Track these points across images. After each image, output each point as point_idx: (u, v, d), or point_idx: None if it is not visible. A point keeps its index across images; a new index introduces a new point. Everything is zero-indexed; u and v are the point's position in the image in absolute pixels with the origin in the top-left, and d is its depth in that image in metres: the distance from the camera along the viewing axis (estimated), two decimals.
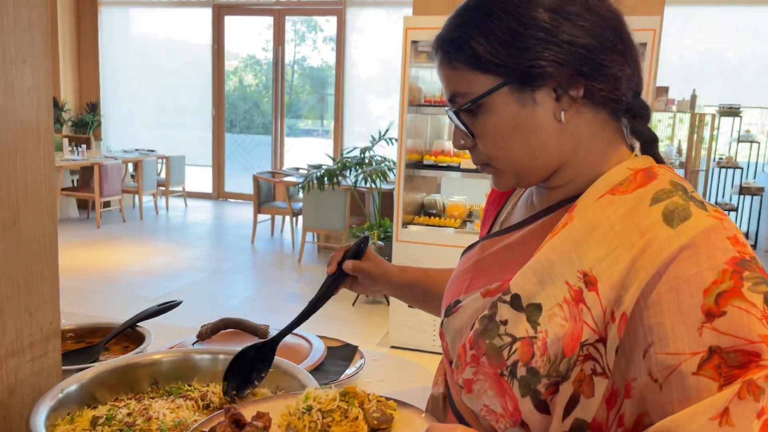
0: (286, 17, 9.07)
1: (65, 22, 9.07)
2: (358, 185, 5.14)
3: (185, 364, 1.03)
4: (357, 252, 1.07)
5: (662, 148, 5.21)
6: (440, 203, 4.26)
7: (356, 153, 5.26)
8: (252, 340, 1.37)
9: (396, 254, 3.92)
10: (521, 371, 0.71)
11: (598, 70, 0.72)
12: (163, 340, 1.40)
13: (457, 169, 3.93)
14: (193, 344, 1.36)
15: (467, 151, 0.82)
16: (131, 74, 9.73)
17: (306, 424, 0.76)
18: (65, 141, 7.84)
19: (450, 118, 0.80)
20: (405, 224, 3.92)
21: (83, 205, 7.88)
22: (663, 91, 5.57)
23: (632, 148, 0.80)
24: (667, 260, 0.65)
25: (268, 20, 9.17)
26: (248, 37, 9.64)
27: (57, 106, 8.98)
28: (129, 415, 0.90)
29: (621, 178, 0.74)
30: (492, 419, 0.75)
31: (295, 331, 1.38)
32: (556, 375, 0.69)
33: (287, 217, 7.09)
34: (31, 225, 0.95)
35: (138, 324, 1.28)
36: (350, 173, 5.18)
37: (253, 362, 0.99)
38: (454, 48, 0.75)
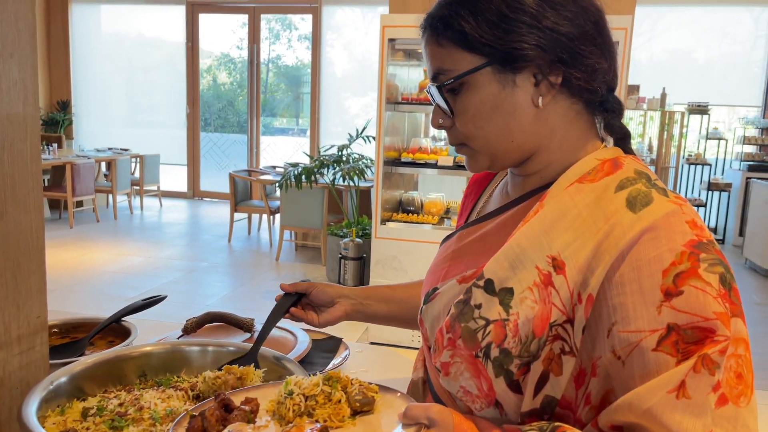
0: (261, 15, 9.02)
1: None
2: (335, 183, 5.15)
3: (174, 356, 1.04)
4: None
5: (634, 145, 5.31)
6: (418, 200, 4.30)
7: (334, 151, 5.27)
8: (237, 334, 1.38)
9: (375, 251, 3.94)
10: (494, 352, 0.74)
11: (576, 59, 0.76)
12: (147, 335, 1.40)
13: (434, 166, 3.97)
14: (178, 338, 1.37)
15: (444, 130, 0.84)
16: (103, 72, 9.58)
17: (290, 408, 0.78)
18: None
19: (431, 96, 0.82)
20: (383, 221, 3.95)
21: (55, 205, 7.75)
22: (634, 89, 5.68)
23: (603, 141, 0.84)
24: (629, 243, 0.69)
25: (243, 18, 9.11)
26: (222, 35, 9.57)
27: None
28: (120, 405, 0.90)
29: (589, 167, 0.78)
30: (468, 400, 0.78)
31: (280, 325, 1.41)
32: (527, 355, 0.73)
33: (264, 216, 7.06)
34: (18, 218, 0.95)
35: (123, 319, 1.29)
36: (328, 171, 5.19)
37: None
38: (443, 25, 0.78)
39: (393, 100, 3.94)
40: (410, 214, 4.15)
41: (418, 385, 0.94)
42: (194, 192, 9.57)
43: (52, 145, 7.85)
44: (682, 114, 6.70)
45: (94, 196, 7.44)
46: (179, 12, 9.13)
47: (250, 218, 7.26)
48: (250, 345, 1.07)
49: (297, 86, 9.81)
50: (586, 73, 0.77)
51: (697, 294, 0.65)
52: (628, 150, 0.82)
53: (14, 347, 0.97)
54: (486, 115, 0.78)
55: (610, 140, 0.85)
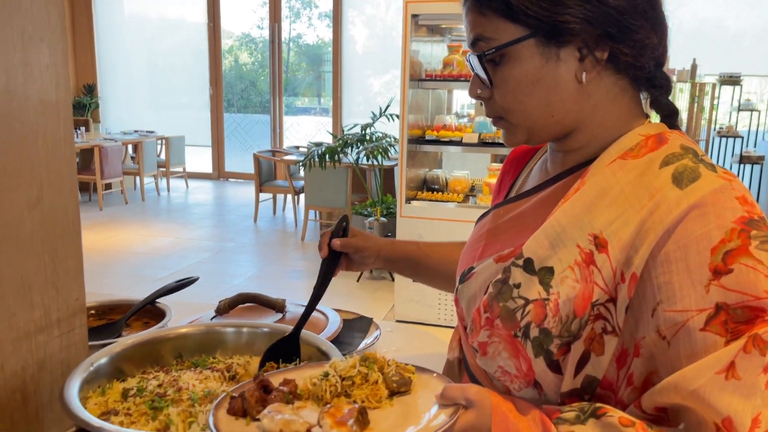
0: None
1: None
2: (359, 162, 5.14)
3: (210, 337, 1.05)
4: (340, 231, 1.10)
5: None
6: (442, 178, 4.27)
7: (357, 130, 5.25)
8: (269, 314, 1.39)
9: (400, 230, 3.94)
10: (534, 332, 0.73)
11: (625, 34, 0.73)
12: (180, 316, 1.42)
13: (459, 143, 3.93)
14: (211, 319, 1.38)
15: (481, 102, 0.82)
16: (127, 55, 9.65)
17: (326, 389, 0.78)
18: None
19: (469, 65, 0.80)
20: (408, 200, 3.94)
21: (85, 188, 7.88)
22: None
23: (647, 118, 0.81)
24: (675, 220, 0.67)
25: None
26: (243, 14, 9.55)
27: None
28: (159, 386, 0.92)
29: (633, 143, 0.76)
30: (506, 380, 0.78)
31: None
32: (568, 335, 0.72)
33: (289, 196, 7.10)
34: (54, 203, 0.96)
35: (157, 300, 1.30)
36: (351, 150, 5.18)
37: (284, 354, 0.99)
38: None
39: (416, 77, 3.90)
40: (435, 193, 4.13)
41: (453, 365, 0.94)
42: (219, 173, 9.64)
43: (79, 129, 7.96)
44: (713, 85, 6.52)
45: (122, 178, 7.55)
46: None
47: (275, 198, 7.30)
48: (283, 326, 1.08)
49: (318, 65, 9.77)
50: (635, 48, 0.74)
51: (747, 272, 0.63)
52: (674, 127, 0.80)
53: (54, 330, 0.98)
54: (526, 89, 0.76)
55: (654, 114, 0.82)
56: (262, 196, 6.88)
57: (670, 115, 0.80)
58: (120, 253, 5.61)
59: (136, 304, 1.30)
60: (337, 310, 1.47)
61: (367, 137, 5.09)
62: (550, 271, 0.74)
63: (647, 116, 0.81)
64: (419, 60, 4.00)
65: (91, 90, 9.35)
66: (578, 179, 0.77)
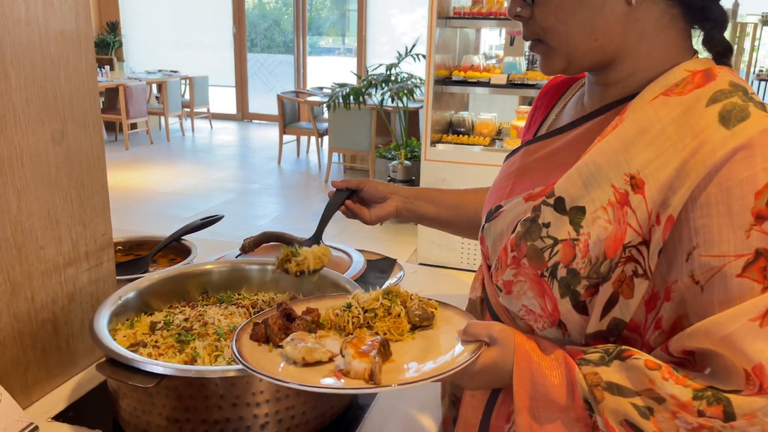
0: None
1: None
2: (384, 104, 5.06)
3: (235, 275, 1.06)
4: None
5: None
6: (469, 121, 4.19)
7: (382, 70, 5.15)
8: None
9: (424, 173, 3.91)
10: (561, 272, 0.71)
11: None
12: (206, 254, 1.43)
13: (486, 84, 3.83)
14: (236, 257, 1.40)
15: (520, 22, 0.77)
16: None
17: (348, 320, 0.79)
18: None
19: None
20: (433, 143, 3.88)
21: (111, 128, 7.94)
22: None
23: (696, 53, 0.77)
24: (720, 161, 0.64)
25: None
26: None
27: None
28: (186, 320, 0.93)
29: (678, 79, 0.71)
30: (530, 319, 0.77)
31: (335, 245, 1.42)
32: (597, 276, 0.70)
33: (313, 138, 7.07)
34: (78, 137, 0.96)
35: (183, 237, 1.31)
36: (376, 92, 5.09)
37: None
38: None
39: (444, 14, 3.78)
40: (460, 136, 4.06)
41: (476, 304, 0.93)
42: (243, 114, 9.61)
43: (104, 68, 7.95)
44: (755, 25, 6.22)
45: (147, 118, 7.57)
46: None
47: (298, 140, 7.28)
48: None
49: (343, 3, 9.53)
50: None
51: None
52: (725, 64, 0.74)
53: (83, 263, 1.00)
54: (571, 7, 0.71)
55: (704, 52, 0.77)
56: (286, 137, 6.86)
57: (723, 53, 0.75)
58: (146, 193, 5.68)
59: (162, 240, 1.31)
60: (361, 251, 1.47)
61: (392, 78, 4.99)
62: (581, 210, 0.71)
63: (696, 52, 0.76)
64: None
65: (114, 28, 9.28)
66: (617, 116, 0.73)
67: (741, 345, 0.61)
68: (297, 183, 6.36)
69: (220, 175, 6.45)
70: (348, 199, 1.11)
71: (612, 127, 0.72)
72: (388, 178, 4.78)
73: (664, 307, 0.68)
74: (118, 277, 1.09)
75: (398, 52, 5.13)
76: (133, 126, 7.66)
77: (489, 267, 0.85)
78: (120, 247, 1.30)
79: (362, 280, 1.34)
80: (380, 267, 1.44)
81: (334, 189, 1.11)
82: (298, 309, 0.83)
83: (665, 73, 0.73)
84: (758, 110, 0.66)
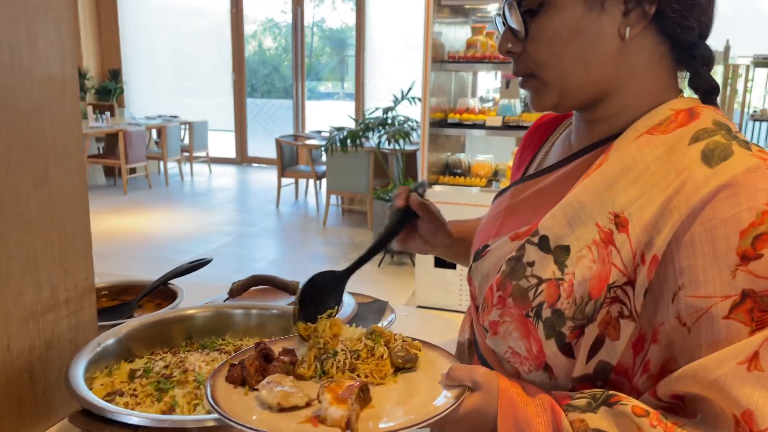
0: None
1: None
2: (381, 146, 5.10)
3: (219, 319, 1.04)
4: (419, 191, 0.95)
5: None
6: (465, 162, 4.21)
7: (379, 114, 5.20)
8: (282, 297, 1.37)
9: None
10: (546, 313, 0.70)
11: None
12: (195, 298, 1.41)
13: (482, 127, 3.86)
14: (224, 301, 1.37)
15: (511, 57, 0.76)
16: (151, 40, 9.70)
17: (333, 364, 0.76)
18: (89, 108, 7.89)
19: (504, 15, 0.75)
20: (430, 184, 3.89)
21: (110, 173, 7.98)
22: None
23: (681, 93, 0.76)
24: (703, 200, 0.62)
25: None
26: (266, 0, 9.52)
27: (80, 74, 9.02)
28: (166, 367, 0.90)
29: (662, 117, 0.71)
30: (516, 362, 0.75)
31: None
32: (582, 317, 0.68)
33: (311, 181, 7.10)
34: (61, 182, 0.95)
35: (170, 282, 1.29)
36: (373, 134, 5.13)
37: (323, 294, 0.89)
38: None
39: (439, 58, 3.84)
40: (457, 177, 4.07)
41: (464, 347, 0.91)
42: (242, 158, 9.68)
43: (105, 114, 8.04)
44: (747, 67, 6.32)
45: (146, 163, 7.61)
46: None
47: (297, 183, 7.31)
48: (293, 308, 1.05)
49: (342, 49, 9.72)
50: (683, 5, 0.69)
51: None
52: (711, 103, 0.74)
53: (63, 309, 0.97)
54: (564, 41, 0.71)
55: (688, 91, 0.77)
56: (284, 181, 6.88)
57: (710, 92, 0.74)
58: (143, 237, 5.67)
59: (148, 285, 1.29)
60: (352, 294, 1.44)
61: (389, 121, 5.04)
62: (566, 249, 0.70)
63: (681, 91, 0.76)
64: (442, 42, 3.93)
65: (116, 75, 9.42)
66: (602, 154, 0.72)
67: (729, 390, 0.58)
68: (295, 225, 6.36)
69: (218, 218, 6.45)
70: (408, 223, 0.94)
71: (596, 166, 0.71)
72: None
73: (651, 349, 0.66)
74: (100, 323, 1.06)
75: (394, 96, 5.19)
76: (132, 171, 7.70)
77: (477, 308, 0.83)
78: (105, 292, 1.28)
79: (352, 323, 1.31)
80: (372, 310, 1.41)
81: (401, 201, 0.92)
82: (277, 348, 0.80)
83: (650, 112, 0.72)
84: (742, 149, 0.65)
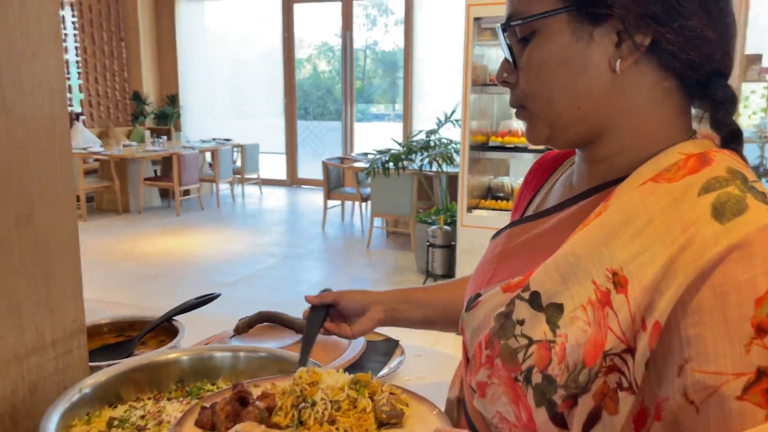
0: (354, 2, 9.02)
1: (144, 18, 9.43)
2: (423, 169, 5.05)
3: (204, 363, 1.00)
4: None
5: (756, 120, 4.80)
6: (508, 186, 4.11)
7: (422, 136, 5.17)
8: (289, 335, 1.33)
9: (460, 239, 3.81)
10: (536, 378, 0.63)
11: (672, 17, 0.61)
12: (201, 333, 1.38)
13: (524, 150, 3.77)
14: (230, 338, 1.34)
15: (509, 89, 0.73)
16: (208, 66, 10.03)
17: (311, 415, 0.71)
18: (147, 133, 8.19)
19: (501, 45, 0.72)
20: (470, 208, 3.81)
21: (165, 194, 8.22)
22: (755, 59, 5.12)
23: (695, 134, 0.68)
24: (712, 262, 0.54)
25: (338, 6, 9.17)
26: (321, 23, 9.71)
27: (140, 99, 9.40)
28: (143, 417, 0.87)
29: (670, 162, 0.63)
30: (504, 428, 0.68)
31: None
32: (575, 386, 0.60)
33: (356, 203, 7.10)
34: (47, 221, 0.94)
35: (174, 318, 1.27)
36: (416, 157, 5.10)
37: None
38: None
39: (480, 81, 3.78)
40: (499, 201, 3.97)
41: (453, 405, 0.83)
42: (292, 180, 9.82)
43: (162, 138, 8.33)
44: None
45: (199, 185, 7.81)
46: (276, 4, 9.34)
47: (343, 205, 7.33)
48: (283, 351, 1.01)
49: (393, 71, 9.77)
50: (681, 37, 0.61)
51: None
52: (739, 152, 0.65)
53: (49, 352, 0.96)
54: (551, 70, 0.66)
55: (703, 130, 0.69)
56: (331, 202, 6.92)
57: (731, 137, 0.66)
58: (192, 258, 5.78)
59: (153, 320, 1.27)
60: None
61: (432, 144, 4.99)
62: (559, 308, 0.63)
63: (695, 133, 0.68)
64: (483, 64, 3.87)
65: (173, 100, 9.77)
66: (602, 201, 0.65)
67: None
68: (340, 247, 6.36)
69: (265, 239, 6.52)
70: (326, 318, 1.01)
71: (595, 215, 0.64)
72: (428, 243, 4.69)
73: (655, 427, 0.58)
74: (94, 363, 1.04)
75: (438, 119, 5.15)
76: (186, 192, 7.91)
77: (468, 361, 0.76)
78: (108, 328, 1.27)
79: (359, 364, 1.26)
80: (381, 349, 1.35)
81: (309, 306, 1.02)
82: (257, 391, 0.76)
83: (657, 156, 0.64)
84: (758, 202, 0.56)
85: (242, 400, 0.72)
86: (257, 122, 10.18)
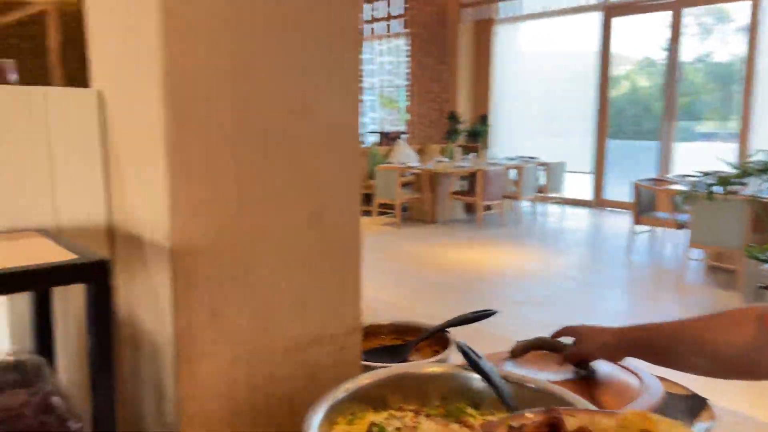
0: (683, 10, 8.15)
1: (464, 42, 10.00)
2: (761, 195, 4.25)
3: (458, 382, 0.93)
4: None
5: None
6: None
7: (762, 157, 4.36)
8: (566, 367, 1.19)
9: None
10: None
11: None
12: (479, 348, 1.33)
13: None
14: (506, 360, 1.25)
15: None
16: (518, 86, 10.16)
17: None
18: (458, 149, 8.65)
19: None
20: None
21: (470, 209, 8.55)
22: None
23: None
24: None
25: (664, 16, 8.40)
26: (641, 37, 9.05)
27: (455, 119, 10.00)
28: (398, 429, 0.84)
29: None
30: None
31: (622, 363, 1.16)
32: None
33: (670, 230, 6.36)
34: (335, 221, 0.98)
35: (446, 329, 1.24)
36: (752, 181, 4.32)
37: None
38: None
39: None
40: None
41: None
42: (597, 200, 9.30)
43: (471, 154, 8.70)
44: None
45: (502, 201, 7.93)
46: (594, 19, 8.99)
47: (653, 231, 6.64)
48: (560, 389, 0.88)
49: (728, 85, 8.58)
50: None
51: None
52: None
53: (326, 346, 1.00)
54: None
55: None
56: (639, 227, 6.32)
57: None
58: (487, 272, 5.86)
59: (428, 330, 1.26)
60: (662, 379, 1.16)
61: None
62: None
63: None
64: None
65: (484, 119, 10.14)
66: None
67: None
68: (646, 278, 5.76)
69: (563, 260, 6.28)
70: None
71: None
72: (759, 285, 3.92)
73: None
74: (368, 363, 1.06)
75: None
76: (488, 207, 8.10)
77: None
78: (386, 330, 1.30)
79: None
80: (682, 406, 1.11)
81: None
82: (573, 421, 0.67)
83: None
84: None
85: (552, 427, 0.66)
86: (565, 141, 9.95)
